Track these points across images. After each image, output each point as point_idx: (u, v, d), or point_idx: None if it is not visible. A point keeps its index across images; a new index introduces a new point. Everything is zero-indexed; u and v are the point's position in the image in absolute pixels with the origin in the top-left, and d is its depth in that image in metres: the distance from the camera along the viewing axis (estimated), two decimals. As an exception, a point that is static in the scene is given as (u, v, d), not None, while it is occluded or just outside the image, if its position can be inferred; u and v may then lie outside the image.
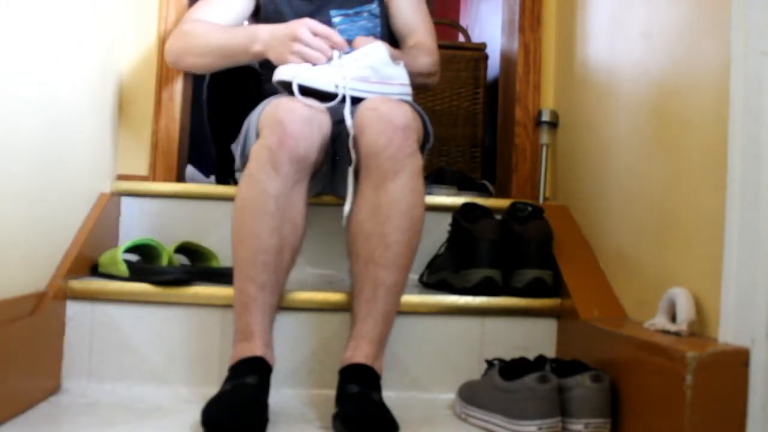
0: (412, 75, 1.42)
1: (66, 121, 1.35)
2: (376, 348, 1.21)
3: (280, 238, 1.22)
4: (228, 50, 1.49)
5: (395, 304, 1.25)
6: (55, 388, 1.31)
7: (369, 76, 1.33)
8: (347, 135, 1.30)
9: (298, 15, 1.61)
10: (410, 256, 1.25)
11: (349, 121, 1.28)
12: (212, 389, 1.16)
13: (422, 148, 1.42)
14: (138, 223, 1.60)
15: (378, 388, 1.18)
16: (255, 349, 1.20)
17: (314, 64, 1.33)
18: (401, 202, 1.22)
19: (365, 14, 1.59)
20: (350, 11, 1.59)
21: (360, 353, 1.19)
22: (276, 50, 1.38)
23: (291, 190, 1.23)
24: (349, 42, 1.50)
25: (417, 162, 1.26)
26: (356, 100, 1.31)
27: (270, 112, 1.27)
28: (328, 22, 1.61)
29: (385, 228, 1.22)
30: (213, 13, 1.59)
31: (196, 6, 1.62)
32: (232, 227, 1.25)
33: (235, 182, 1.58)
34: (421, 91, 1.77)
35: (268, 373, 1.19)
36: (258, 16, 1.69)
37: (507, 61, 1.96)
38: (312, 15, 1.61)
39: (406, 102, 1.33)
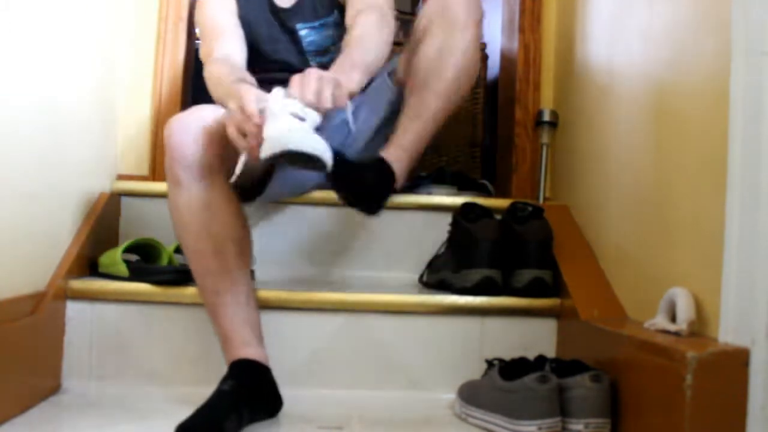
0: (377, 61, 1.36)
1: (66, 121, 1.35)
2: (405, 155, 1.34)
3: (211, 241, 1.23)
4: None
5: (434, 129, 1.39)
6: (55, 388, 1.31)
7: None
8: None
9: (269, 28, 1.59)
10: (459, 94, 1.41)
11: (353, 126, 1.29)
12: (212, 389, 1.16)
13: None
14: (138, 223, 1.60)
15: (386, 175, 1.30)
16: (234, 352, 1.21)
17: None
18: (468, 51, 1.39)
19: (329, 24, 1.60)
20: (315, 23, 1.61)
21: (389, 153, 1.33)
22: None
23: (201, 193, 1.22)
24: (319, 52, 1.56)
25: (481, 27, 1.43)
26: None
27: None
28: (295, 33, 1.59)
29: (445, 65, 1.37)
30: (225, 46, 1.51)
31: (210, 40, 1.53)
32: None
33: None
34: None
35: (249, 372, 1.19)
36: None
37: (507, 61, 1.96)
38: (279, 27, 1.60)
39: None
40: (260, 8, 1.60)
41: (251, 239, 1.31)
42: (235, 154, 1.29)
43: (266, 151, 1.08)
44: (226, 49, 1.49)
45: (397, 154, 1.34)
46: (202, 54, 1.51)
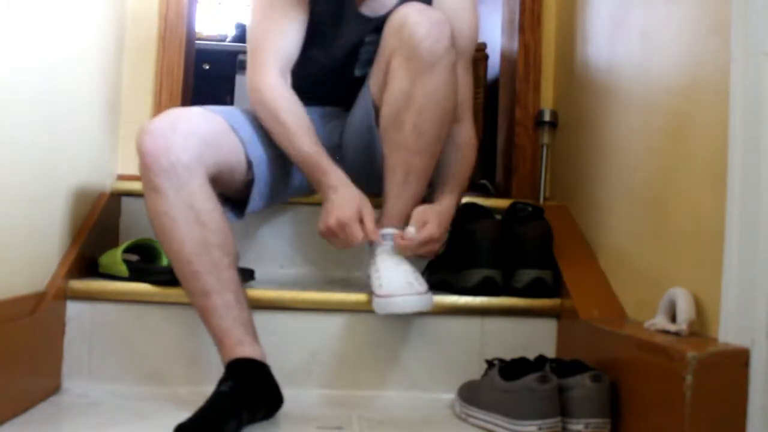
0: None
1: (66, 121, 1.35)
2: (400, 223, 1.37)
3: (194, 244, 1.21)
4: (299, 163, 1.38)
5: (423, 187, 1.39)
6: (55, 388, 1.31)
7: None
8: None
9: (340, 33, 1.49)
10: (440, 144, 1.36)
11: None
12: (212, 389, 1.16)
13: None
14: (138, 223, 1.60)
15: None
16: (229, 352, 1.20)
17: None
18: (436, 94, 1.30)
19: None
20: (376, 36, 1.46)
21: (389, 225, 1.36)
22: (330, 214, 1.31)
23: (177, 198, 1.21)
24: None
25: (452, 56, 1.32)
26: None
27: None
28: (361, 42, 1.50)
29: (419, 118, 1.31)
30: (284, 60, 1.43)
31: (264, 52, 1.41)
32: None
33: None
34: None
35: (246, 371, 1.19)
36: None
37: (507, 61, 1.96)
38: (354, 35, 1.50)
39: None
40: (343, 11, 1.47)
41: (233, 236, 1.28)
42: (213, 155, 1.29)
43: (384, 309, 1.30)
44: (284, 64, 1.42)
45: (399, 222, 1.36)
46: (254, 47, 1.41)
